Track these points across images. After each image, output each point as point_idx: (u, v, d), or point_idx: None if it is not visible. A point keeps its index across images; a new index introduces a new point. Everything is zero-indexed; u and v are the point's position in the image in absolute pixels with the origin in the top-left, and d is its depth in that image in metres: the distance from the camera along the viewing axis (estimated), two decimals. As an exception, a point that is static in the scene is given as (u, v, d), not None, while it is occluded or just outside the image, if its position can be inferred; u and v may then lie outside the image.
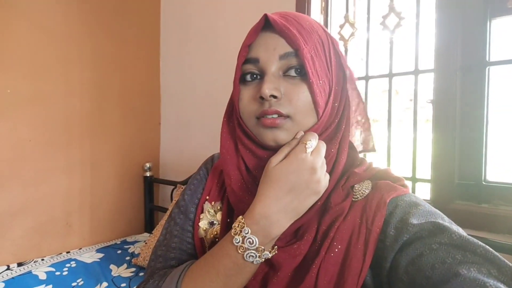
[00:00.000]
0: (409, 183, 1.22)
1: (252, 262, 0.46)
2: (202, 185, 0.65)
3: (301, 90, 0.50)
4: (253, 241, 0.45)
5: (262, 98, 0.49)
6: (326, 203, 0.51)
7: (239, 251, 0.45)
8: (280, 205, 0.46)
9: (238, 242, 0.45)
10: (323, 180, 0.48)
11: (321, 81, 0.50)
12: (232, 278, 0.47)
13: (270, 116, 0.49)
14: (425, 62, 1.21)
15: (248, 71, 0.52)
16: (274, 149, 0.51)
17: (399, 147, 1.33)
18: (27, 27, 1.57)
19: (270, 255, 0.47)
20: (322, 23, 1.53)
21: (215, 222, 0.60)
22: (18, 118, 1.56)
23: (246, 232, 0.45)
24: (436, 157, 1.16)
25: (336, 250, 0.47)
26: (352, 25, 1.41)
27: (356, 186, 0.53)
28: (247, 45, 0.51)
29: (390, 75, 1.30)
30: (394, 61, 1.29)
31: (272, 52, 0.50)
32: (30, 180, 1.62)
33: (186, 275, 0.50)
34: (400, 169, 1.33)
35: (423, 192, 1.22)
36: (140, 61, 2.10)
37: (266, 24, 0.51)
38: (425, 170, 1.21)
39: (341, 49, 1.48)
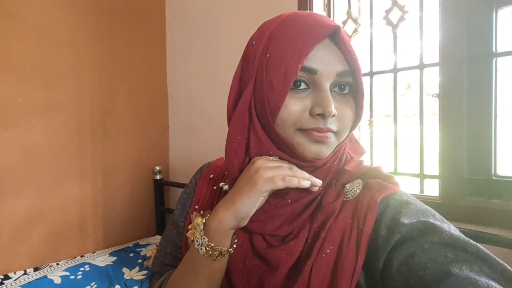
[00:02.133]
0: (417, 180, 1.21)
1: (210, 257, 0.49)
2: (191, 198, 0.67)
3: (350, 108, 0.50)
4: (203, 242, 0.49)
5: (319, 114, 0.47)
6: (318, 203, 0.52)
7: (197, 247, 0.50)
8: (225, 201, 0.50)
9: (198, 245, 0.50)
10: (260, 177, 0.46)
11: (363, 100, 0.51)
12: (198, 273, 0.50)
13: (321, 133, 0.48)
14: (431, 56, 1.18)
15: (298, 78, 0.48)
16: (306, 162, 0.50)
17: (410, 142, 1.31)
18: (36, 37, 1.62)
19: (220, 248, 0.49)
20: (324, 20, 1.52)
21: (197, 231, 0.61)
22: (31, 126, 1.61)
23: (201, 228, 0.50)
24: (443, 153, 1.13)
25: (328, 250, 0.47)
26: (355, 21, 1.39)
27: (347, 185, 0.52)
28: (307, 53, 0.46)
29: (395, 70, 1.27)
30: (399, 55, 1.27)
31: (332, 68, 0.47)
32: (44, 186, 1.66)
33: (168, 282, 0.55)
34: (408, 165, 1.31)
35: (432, 189, 1.20)
36: (147, 67, 2.13)
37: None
38: (434, 166, 1.18)
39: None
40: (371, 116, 1.35)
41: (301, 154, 0.49)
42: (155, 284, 0.58)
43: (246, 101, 0.51)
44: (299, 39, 0.46)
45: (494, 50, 1.04)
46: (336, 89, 0.49)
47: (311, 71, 0.47)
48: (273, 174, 0.46)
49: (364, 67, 1.39)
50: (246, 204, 0.46)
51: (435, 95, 1.15)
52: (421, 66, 1.20)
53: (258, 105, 0.50)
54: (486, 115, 1.06)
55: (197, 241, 0.49)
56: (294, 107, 0.47)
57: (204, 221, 0.50)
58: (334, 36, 0.47)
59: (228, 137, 0.53)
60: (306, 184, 0.47)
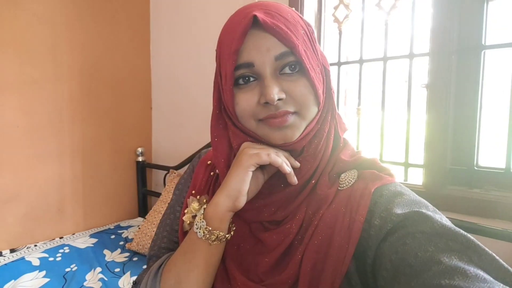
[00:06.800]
0: (401, 169, 1.23)
1: (207, 240, 0.50)
2: (188, 183, 0.67)
3: (302, 85, 0.49)
4: (201, 225, 0.51)
5: (267, 103, 0.48)
6: (312, 187, 0.53)
7: (195, 231, 0.51)
8: (220, 187, 0.52)
9: (197, 228, 0.51)
10: (245, 154, 0.49)
11: (316, 73, 0.50)
12: (195, 255, 0.51)
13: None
14: (421, 46, 1.19)
15: (241, 75, 0.50)
16: (280, 147, 0.52)
17: (397, 132, 1.32)
18: (13, 10, 1.51)
19: (217, 233, 0.50)
20: (316, 5, 1.49)
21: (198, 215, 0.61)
22: (5, 103, 1.53)
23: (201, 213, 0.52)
24: (429, 142, 1.15)
25: (320, 237, 0.48)
26: (346, 6, 1.37)
27: (343, 175, 0.53)
28: (237, 50, 0.48)
29: (385, 59, 1.27)
30: (389, 44, 1.27)
31: (266, 54, 0.47)
32: (20, 166, 1.60)
33: (167, 264, 0.56)
34: (393, 154, 1.33)
35: (416, 177, 1.23)
36: (130, 45, 2.05)
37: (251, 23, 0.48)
38: (419, 156, 1.21)
39: (335, 31, 1.43)
40: (359, 104, 1.35)
41: (269, 142, 0.51)
42: (153, 266, 0.58)
43: (217, 106, 0.56)
44: (229, 40, 0.49)
45: (483, 42, 1.06)
46: (287, 70, 0.49)
47: (249, 65, 0.48)
48: (259, 151, 0.49)
49: (355, 55, 1.38)
50: (235, 181, 0.49)
51: (423, 85, 1.16)
52: (411, 56, 1.20)
53: (225, 107, 0.54)
54: (471, 107, 1.08)
55: (196, 224, 0.51)
56: (245, 102, 0.50)
57: (204, 206, 0.53)
58: (260, 25, 0.47)
59: (211, 141, 0.57)
60: (287, 169, 0.49)
